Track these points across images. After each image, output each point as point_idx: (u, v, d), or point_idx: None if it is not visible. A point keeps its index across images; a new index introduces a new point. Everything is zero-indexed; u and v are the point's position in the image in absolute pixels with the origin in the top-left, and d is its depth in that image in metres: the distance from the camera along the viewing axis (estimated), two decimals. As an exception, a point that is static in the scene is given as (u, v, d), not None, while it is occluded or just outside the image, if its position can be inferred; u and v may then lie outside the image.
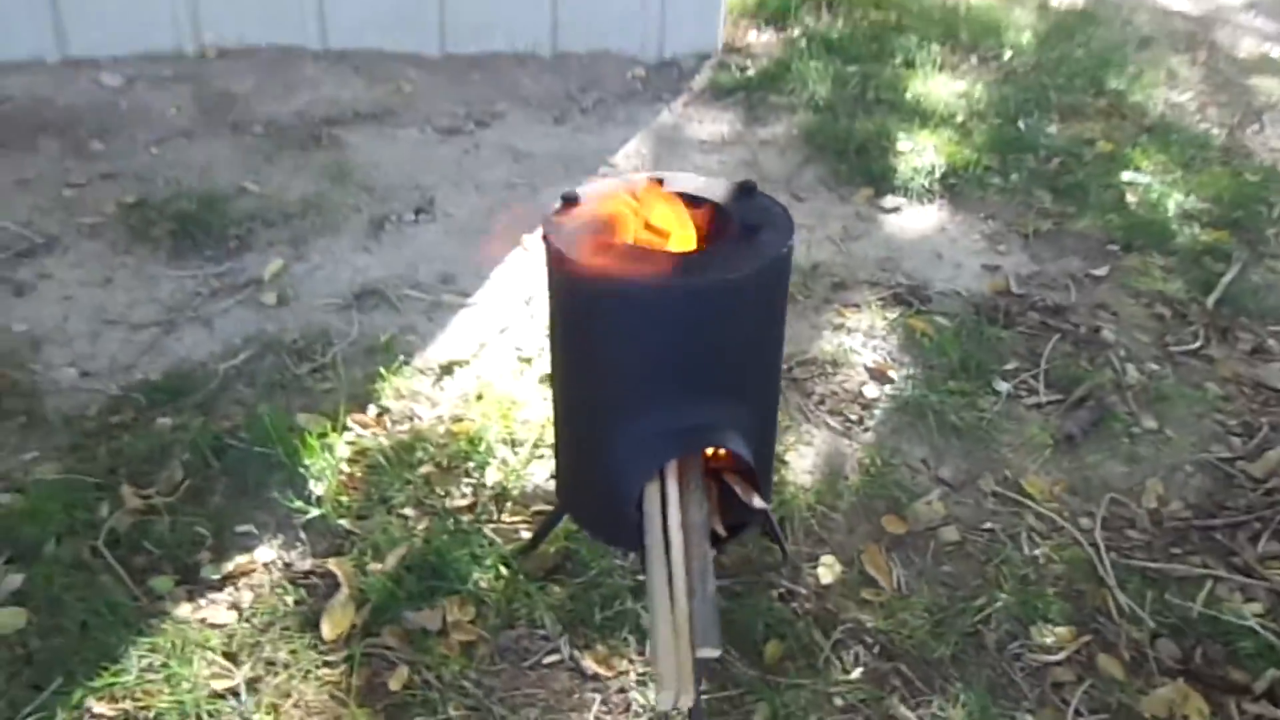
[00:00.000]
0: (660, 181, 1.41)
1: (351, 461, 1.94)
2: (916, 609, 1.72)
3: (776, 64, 3.62)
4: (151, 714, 1.50)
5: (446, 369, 2.19)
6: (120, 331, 2.24)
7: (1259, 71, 3.96)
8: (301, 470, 1.89)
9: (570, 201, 1.37)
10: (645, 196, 1.36)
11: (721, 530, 1.35)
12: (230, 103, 3.14)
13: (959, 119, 3.31)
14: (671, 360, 1.26)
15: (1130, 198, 2.93)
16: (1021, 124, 3.27)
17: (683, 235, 1.33)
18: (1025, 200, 2.90)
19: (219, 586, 1.72)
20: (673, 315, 1.24)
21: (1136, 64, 3.86)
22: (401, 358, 2.19)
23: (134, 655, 1.58)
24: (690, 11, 3.64)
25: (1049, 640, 1.70)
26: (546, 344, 2.25)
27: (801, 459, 2.00)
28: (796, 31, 3.92)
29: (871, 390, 2.19)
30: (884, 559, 1.82)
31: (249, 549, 1.78)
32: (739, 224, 1.31)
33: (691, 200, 1.37)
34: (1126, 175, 3.02)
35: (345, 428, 2.00)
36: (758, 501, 1.36)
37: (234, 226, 2.57)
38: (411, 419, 2.05)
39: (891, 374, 2.24)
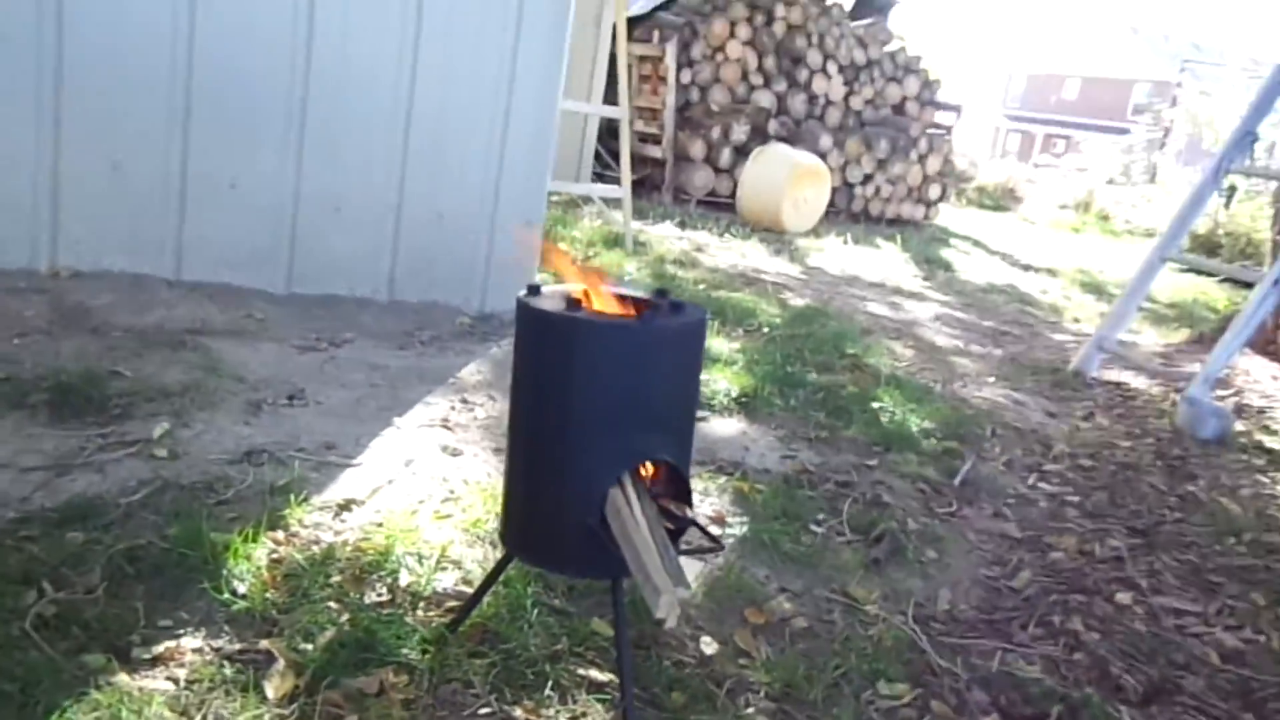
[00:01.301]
0: (599, 283, 1.85)
1: (270, 568, 2.07)
2: (787, 669, 2.04)
3: (584, 321, 4.22)
4: (108, 756, 1.53)
5: (345, 506, 2.38)
6: (9, 474, 2.28)
7: (952, 355, 5.01)
8: (223, 571, 2.00)
9: (534, 290, 1.77)
10: (591, 291, 1.79)
11: (670, 526, 1.67)
12: (88, 313, 3.30)
13: (740, 363, 3.99)
14: (629, 390, 1.64)
15: (883, 418, 3.63)
16: (789, 369, 3.99)
17: (628, 310, 1.75)
18: (804, 417, 3.53)
19: (151, 665, 1.77)
20: (632, 353, 1.64)
21: (864, 342, 4.80)
22: (301, 495, 2.37)
23: (79, 712, 1.60)
24: (509, 278, 4.22)
25: (893, 691, 2.06)
26: (439, 489, 2.50)
27: (670, 572, 2.33)
28: (594, 304, 4.58)
29: (715, 530, 2.59)
30: (751, 639, 2.15)
31: (177, 637, 1.85)
32: (666, 304, 1.76)
33: (630, 297, 1.81)
34: (876, 404, 3.75)
35: (261, 540, 2.13)
36: (679, 510, 1.70)
37: (115, 399, 2.69)
38: (319, 541, 2.22)
39: (728, 519, 2.66)
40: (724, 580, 2.35)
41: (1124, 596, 2.60)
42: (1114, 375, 5.08)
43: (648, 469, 1.72)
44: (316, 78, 3.72)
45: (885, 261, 8.68)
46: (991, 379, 4.61)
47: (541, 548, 1.78)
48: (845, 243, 9.21)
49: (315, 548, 2.19)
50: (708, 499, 2.76)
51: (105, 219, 3.59)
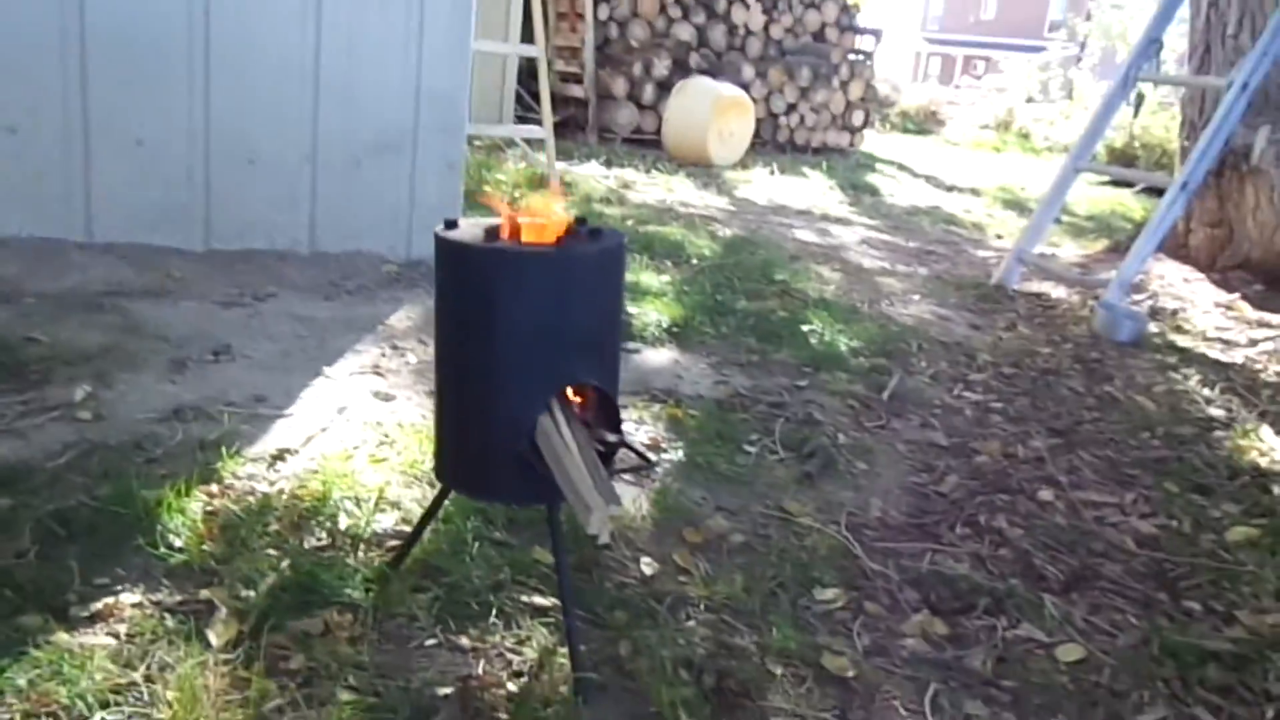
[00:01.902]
0: (517, 212, 1.85)
1: (205, 520, 2.06)
2: (725, 583, 2.10)
3: (512, 262, 4.20)
4: (53, 709, 1.53)
5: (279, 456, 2.37)
6: (-75, 444, 2.23)
7: (878, 276, 5.10)
8: (158, 527, 1.99)
9: (451, 225, 1.77)
10: (509, 220, 1.79)
11: (600, 449, 1.70)
12: (-3, 281, 3.20)
13: (670, 295, 4.02)
14: (552, 318, 1.66)
15: (812, 340, 3.69)
16: (719, 297, 4.03)
17: (546, 238, 1.76)
18: (735, 343, 3.58)
19: (90, 622, 1.76)
20: (553, 279, 1.65)
21: (792, 268, 4.86)
22: (234, 448, 2.35)
23: (19, 671, 1.60)
24: (433, 221, 4.15)
25: (828, 596, 2.13)
26: (373, 435, 2.50)
27: (608, 499, 2.37)
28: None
29: (651, 456, 2.63)
30: (691, 557, 2.20)
31: (115, 593, 1.84)
32: (585, 232, 1.77)
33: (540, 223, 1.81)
34: (805, 327, 3.81)
35: (194, 496, 2.12)
36: (610, 436, 1.73)
37: (32, 365, 2.63)
38: (254, 492, 2.21)
39: (663, 445, 2.70)
40: (661, 503, 2.40)
41: (1045, 493, 2.71)
42: (1035, 287, 5.22)
43: (576, 396, 1.74)
44: (218, 26, 3.61)
45: (812, 189, 8.74)
46: (917, 297, 4.71)
47: (476, 479, 1.80)
48: (772, 173, 9.25)
49: (251, 498, 2.18)
50: (642, 427, 2.79)
51: (5, 184, 3.47)
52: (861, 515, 2.50)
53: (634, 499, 2.40)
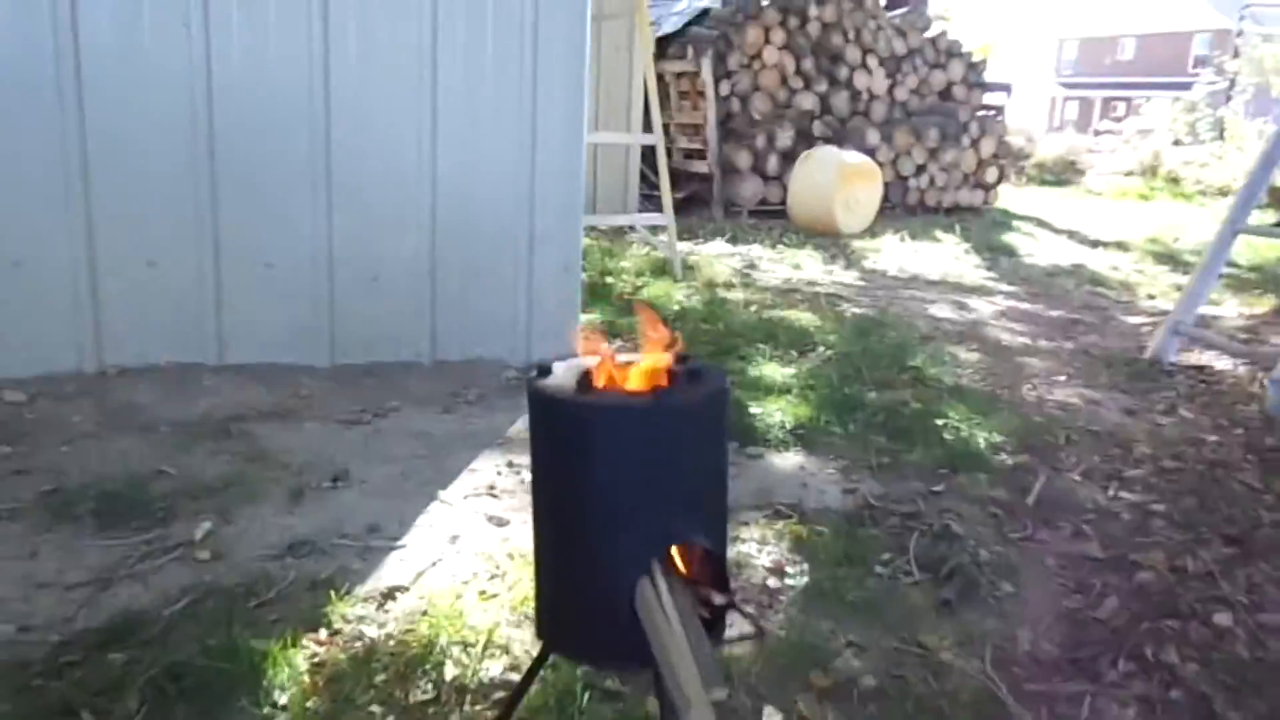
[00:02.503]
0: (612, 354, 1.76)
1: (312, 673, 2.02)
2: (856, 739, 1.92)
3: (632, 361, 4.14)
4: None
5: (389, 595, 2.33)
6: (54, 592, 2.28)
7: (1021, 354, 4.81)
8: (264, 683, 1.96)
9: (544, 371, 1.69)
10: (605, 362, 1.70)
11: (706, 614, 1.57)
12: (135, 410, 3.32)
13: (795, 390, 3.87)
14: (651, 474, 1.55)
15: (947, 436, 3.47)
16: (847, 391, 3.85)
17: (644, 383, 1.66)
18: (864, 444, 3.39)
19: (194, 794, 1.73)
20: (651, 434, 1.54)
21: (925, 351, 4.64)
22: (344, 587, 2.32)
23: None
24: (551, 326, 4.16)
25: (973, 753, 1.92)
26: (484, 566, 2.44)
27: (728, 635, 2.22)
28: (642, 340, 4.50)
29: (773, 582, 2.47)
30: (818, 706, 2.03)
31: (219, 759, 1.80)
32: (685, 373, 1.66)
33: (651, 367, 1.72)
34: (940, 421, 3.59)
35: (301, 646, 2.09)
36: (718, 598, 1.60)
37: (158, 501, 2.68)
38: (362, 637, 2.16)
39: (787, 569, 2.54)
40: (785, 640, 2.24)
41: (1222, 618, 2.42)
42: (1194, 358, 4.83)
43: (681, 556, 1.62)
44: (339, 151, 3.72)
45: (945, 255, 8.45)
46: (1062, 378, 4.41)
47: (576, 640, 1.69)
48: (902, 240, 9.00)
49: (359, 644, 2.13)
50: (765, 548, 2.64)
51: (146, 314, 3.62)
52: (1008, 649, 2.27)
53: (750, 650, 2.25)
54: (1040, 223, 11.13)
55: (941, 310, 5.86)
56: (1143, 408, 4.01)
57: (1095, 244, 9.85)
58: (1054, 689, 2.13)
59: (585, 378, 1.63)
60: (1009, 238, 9.86)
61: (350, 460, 3.05)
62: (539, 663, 1.80)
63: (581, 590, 1.63)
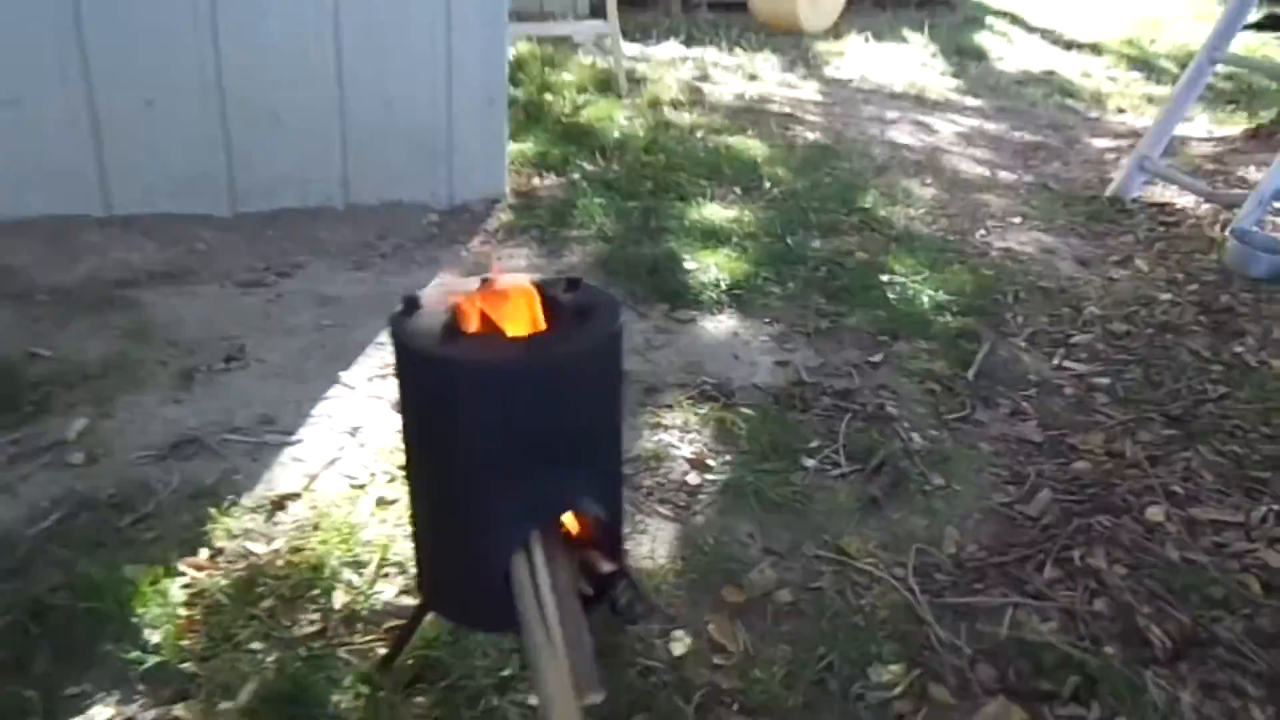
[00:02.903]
0: (493, 282, 1.53)
1: (189, 605, 1.88)
2: (765, 667, 1.84)
3: (562, 204, 3.87)
4: None
5: (278, 504, 2.17)
6: (-92, 507, 2.10)
7: (978, 189, 4.57)
8: (134, 620, 1.82)
9: (411, 305, 1.46)
10: (481, 294, 1.47)
11: (589, 590, 1.43)
12: (8, 275, 3.03)
13: (734, 240, 3.64)
14: (525, 436, 1.36)
15: (891, 295, 3.29)
16: (789, 240, 3.63)
17: (521, 323, 1.44)
18: (803, 304, 3.21)
19: (54, 752, 1.61)
20: (523, 393, 1.34)
21: (877, 187, 4.38)
22: (230, 498, 2.16)
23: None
24: (477, 162, 3.85)
25: (885, 678, 1.85)
26: (383, 463, 2.30)
27: (639, 546, 2.10)
28: (576, 175, 4.21)
29: (694, 478, 2.34)
30: (729, 626, 1.93)
31: (83, 710, 1.68)
32: (572, 310, 1.44)
33: (528, 295, 1.49)
34: (885, 277, 3.40)
35: (178, 573, 1.94)
36: (606, 566, 1.45)
37: (29, 392, 2.47)
38: (247, 556, 2.02)
39: (709, 462, 2.40)
40: (700, 547, 2.13)
41: (1156, 511, 2.33)
42: (1157, 194, 4.62)
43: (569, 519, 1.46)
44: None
45: (912, 59, 8.01)
46: (1018, 219, 4.20)
47: (453, 603, 1.55)
48: (867, 41, 8.51)
49: (242, 566, 1.99)
50: (687, 436, 2.50)
51: (14, 162, 3.27)
52: (933, 555, 2.18)
53: (670, 540, 2.14)
54: (1014, 19, 10.58)
55: (901, 133, 5.55)
56: (1097, 257, 3.83)
57: (1069, 45, 9.40)
58: (975, 602, 2.05)
59: (452, 320, 1.40)
60: (980, 38, 9.37)
61: (247, 333, 2.82)
62: (417, 618, 1.67)
63: (455, 555, 1.48)
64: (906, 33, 9.10)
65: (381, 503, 2.19)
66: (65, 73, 3.21)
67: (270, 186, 3.58)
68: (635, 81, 6.06)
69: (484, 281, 1.52)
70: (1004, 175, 4.86)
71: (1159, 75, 8.22)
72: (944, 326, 3.13)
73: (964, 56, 8.42)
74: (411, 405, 1.44)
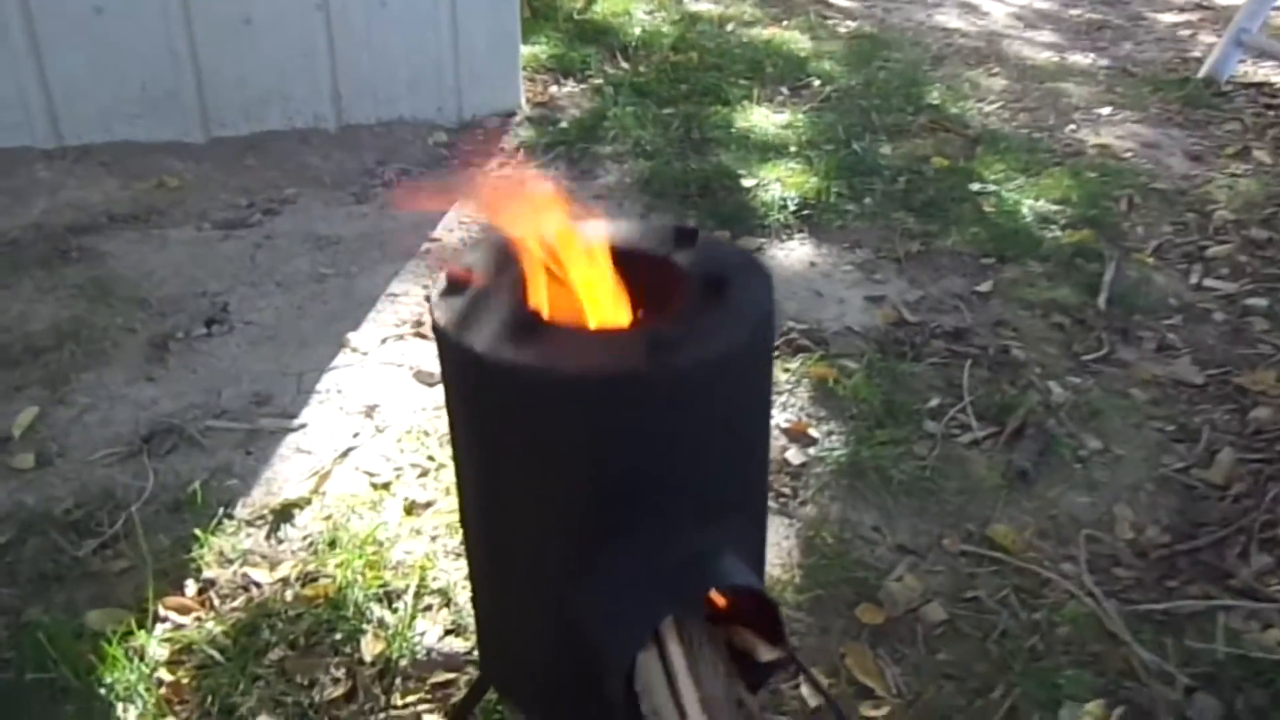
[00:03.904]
0: (573, 233, 1.05)
1: (173, 665, 1.44)
2: (929, 715, 1.41)
3: (589, 114, 3.34)
4: None
5: (282, 514, 1.72)
6: None
7: (1052, 77, 4.02)
8: (101, 692, 1.38)
9: (455, 287, 0.98)
10: (561, 257, 0.99)
11: (746, 692, 0.98)
12: (-56, 222, 2.54)
13: (793, 149, 3.12)
14: (651, 480, 0.89)
15: (987, 208, 2.80)
16: (856, 147, 3.11)
17: (623, 303, 0.97)
18: (886, 224, 2.71)
19: None
20: (648, 418, 0.87)
21: (939, 79, 3.84)
22: (220, 509, 1.70)
23: None
24: (486, 69, 3.31)
25: (1083, 722, 1.42)
26: (409, 454, 1.84)
27: (743, 552, 1.66)
28: (599, 81, 3.67)
29: (796, 455, 1.89)
30: (872, 659, 1.50)
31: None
32: (699, 280, 0.96)
33: (625, 256, 1.01)
34: (975, 186, 2.90)
35: (157, 619, 1.50)
36: (766, 654, 1.00)
37: (-34, 373, 2.00)
38: (247, 589, 1.57)
39: (812, 432, 1.95)
40: (819, 547, 1.68)
41: (1366, 470, 1.89)
42: (1250, 73, 4.07)
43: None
44: None
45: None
46: (1106, 109, 3.66)
47: (538, 698, 1.10)
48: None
49: (241, 601, 1.55)
50: (779, 399, 2.03)
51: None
52: (1106, 541, 1.74)
53: (779, 541, 1.70)
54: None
55: (949, 18, 4.94)
56: (1208, 150, 3.31)
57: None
58: (1173, 607, 1.61)
59: (523, 310, 0.92)
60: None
61: (231, 288, 2.34)
62: (476, 694, 1.22)
63: (537, 644, 1.02)
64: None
65: (413, 508, 1.74)
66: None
67: (248, 105, 3.05)
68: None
69: (564, 231, 1.03)
70: (1075, 59, 4.29)
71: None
72: (1056, 243, 2.64)
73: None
74: (473, 434, 0.97)
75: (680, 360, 0.85)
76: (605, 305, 0.98)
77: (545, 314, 0.95)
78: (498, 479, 0.96)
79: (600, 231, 1.06)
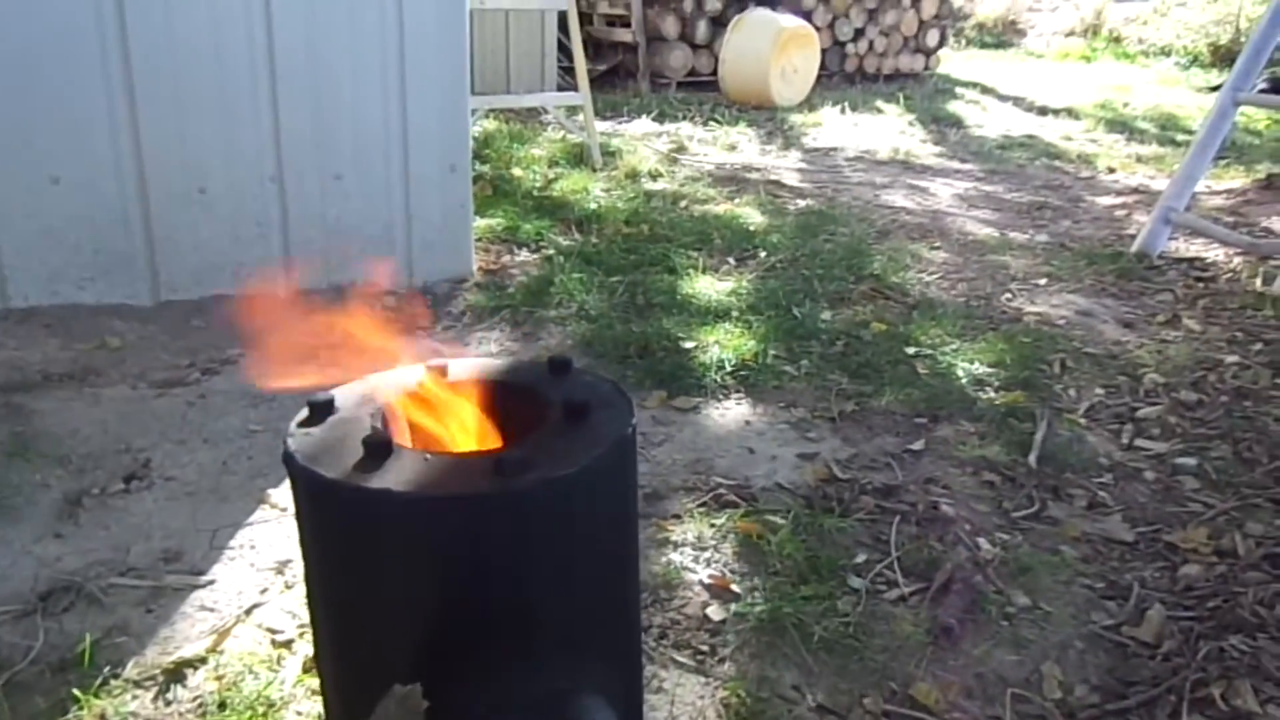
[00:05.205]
0: (443, 371, 1.05)
1: (30, 837, 1.34)
2: None
3: (537, 281, 3.43)
4: None
5: (174, 674, 1.64)
6: None
7: (992, 251, 4.17)
8: None
9: (320, 409, 0.98)
10: (426, 390, 1.00)
11: None
12: (-125, 381, 2.52)
13: (735, 314, 3.19)
14: (500, 607, 0.87)
15: (921, 369, 2.84)
16: (797, 313, 3.18)
17: (483, 430, 0.97)
18: (822, 384, 2.74)
19: None
20: (495, 540, 0.85)
21: (883, 251, 3.98)
22: (108, 669, 1.63)
23: None
24: (437, 238, 3.41)
25: None
26: (308, 614, 1.78)
27: (654, 712, 1.59)
28: (551, 251, 3.78)
29: (716, 611, 1.84)
30: (784, 828, 1.42)
31: None
32: (560, 405, 0.96)
33: (493, 387, 1.01)
34: (911, 349, 2.96)
35: (21, 786, 1.41)
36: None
37: None
38: (124, 757, 1.49)
39: (734, 587, 1.90)
40: (735, 708, 1.62)
41: (1298, 628, 1.85)
42: (1182, 249, 4.24)
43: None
44: (138, 30, 2.84)
45: (890, 128, 7.74)
46: (1043, 280, 3.78)
47: None
48: (843, 111, 8.26)
49: (117, 770, 1.46)
50: (704, 554, 2.00)
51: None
52: (1034, 700, 1.68)
53: (693, 700, 1.63)
54: (984, 89, 10.44)
55: (895, 197, 5.18)
56: (1140, 318, 3.41)
57: (1044, 111, 9.22)
58: (1104, 769, 1.55)
59: (380, 430, 0.92)
60: (954, 107, 9.17)
61: (156, 444, 2.31)
62: None
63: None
64: (880, 103, 8.89)
65: (311, 666, 1.66)
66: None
67: (200, 270, 3.11)
68: (610, 154, 5.69)
69: (432, 369, 1.04)
70: (1015, 235, 4.47)
71: (1141, 136, 8.01)
72: (989, 403, 2.67)
73: (941, 124, 8.19)
74: (315, 560, 0.94)
75: (525, 481, 0.84)
76: (467, 434, 0.98)
77: (403, 442, 0.94)
78: (345, 610, 0.92)
79: (472, 366, 1.07)
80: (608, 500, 0.94)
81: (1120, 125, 8.53)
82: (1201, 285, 3.77)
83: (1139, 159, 7.01)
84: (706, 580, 1.92)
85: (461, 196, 3.44)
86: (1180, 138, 7.88)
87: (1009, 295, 3.58)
